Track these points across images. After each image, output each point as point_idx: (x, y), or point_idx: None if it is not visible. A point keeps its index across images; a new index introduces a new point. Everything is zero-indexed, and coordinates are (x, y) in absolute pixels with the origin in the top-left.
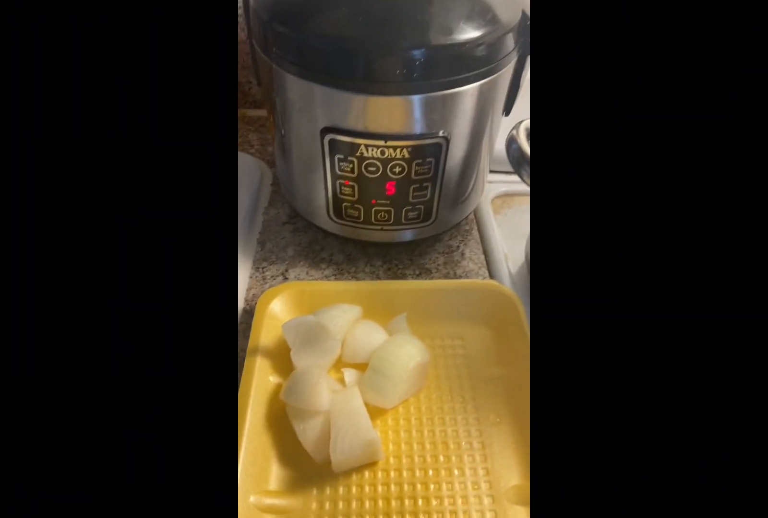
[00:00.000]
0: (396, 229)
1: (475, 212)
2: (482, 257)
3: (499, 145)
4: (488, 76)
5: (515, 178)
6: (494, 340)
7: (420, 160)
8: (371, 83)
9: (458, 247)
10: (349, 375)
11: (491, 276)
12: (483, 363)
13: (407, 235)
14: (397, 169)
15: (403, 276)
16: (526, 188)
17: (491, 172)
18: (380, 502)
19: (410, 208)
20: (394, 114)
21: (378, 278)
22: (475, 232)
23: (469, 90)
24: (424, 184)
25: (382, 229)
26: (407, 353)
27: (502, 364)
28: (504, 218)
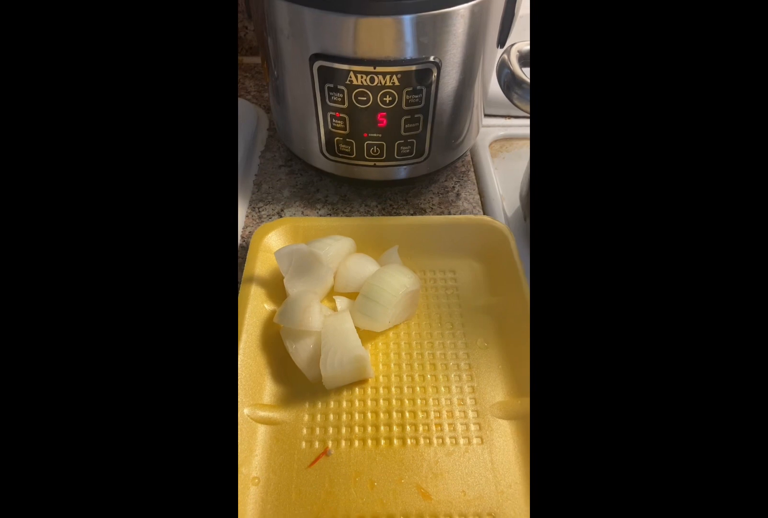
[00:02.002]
0: (389, 164)
1: (472, 154)
2: (477, 197)
3: (495, 86)
4: None
5: (513, 122)
6: (485, 273)
7: (410, 88)
8: (360, 3)
9: (453, 187)
10: (341, 302)
11: (486, 215)
12: (473, 293)
13: (401, 172)
14: (387, 99)
15: (398, 216)
16: (525, 131)
17: (488, 115)
18: (369, 415)
19: (402, 142)
20: (383, 36)
21: None
22: (472, 174)
23: (460, 10)
24: (416, 116)
25: (375, 166)
26: (398, 281)
27: (492, 294)
28: (501, 161)
